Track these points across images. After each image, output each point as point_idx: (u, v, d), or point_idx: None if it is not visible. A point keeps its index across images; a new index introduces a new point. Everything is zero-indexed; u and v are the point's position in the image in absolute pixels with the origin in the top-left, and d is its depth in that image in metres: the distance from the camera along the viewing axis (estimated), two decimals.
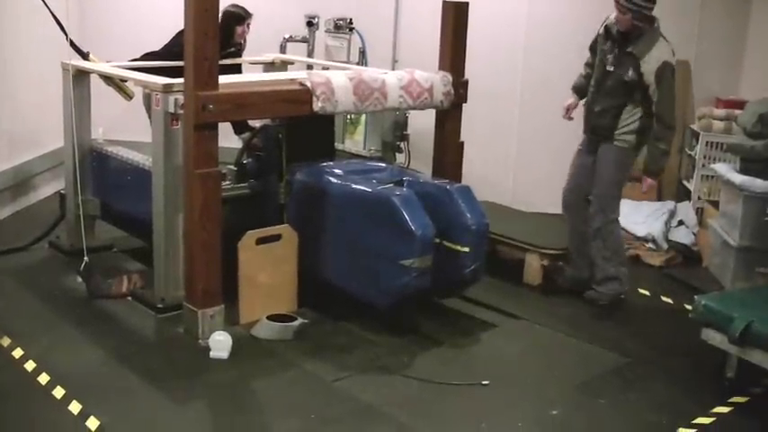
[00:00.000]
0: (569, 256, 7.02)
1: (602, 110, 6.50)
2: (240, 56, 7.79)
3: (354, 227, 5.88)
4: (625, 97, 6.39)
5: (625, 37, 6.36)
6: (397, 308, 5.86)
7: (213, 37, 5.43)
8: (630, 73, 6.30)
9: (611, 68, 6.42)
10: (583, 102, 6.81)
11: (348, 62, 8.95)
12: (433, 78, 6.55)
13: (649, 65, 6.21)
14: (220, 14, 6.06)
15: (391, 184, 6.07)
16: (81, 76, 6.78)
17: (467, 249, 5.90)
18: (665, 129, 6.32)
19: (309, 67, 8.00)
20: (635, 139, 6.45)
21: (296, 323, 5.83)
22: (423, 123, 7.75)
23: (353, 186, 5.99)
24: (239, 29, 7.54)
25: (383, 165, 6.72)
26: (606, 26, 6.53)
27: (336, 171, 6.24)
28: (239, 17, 7.53)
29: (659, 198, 8.78)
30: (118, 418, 4.71)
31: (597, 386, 5.44)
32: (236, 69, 7.49)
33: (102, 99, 7.16)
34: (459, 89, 6.69)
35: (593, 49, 6.76)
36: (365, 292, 5.86)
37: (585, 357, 5.89)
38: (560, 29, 8.64)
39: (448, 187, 6.08)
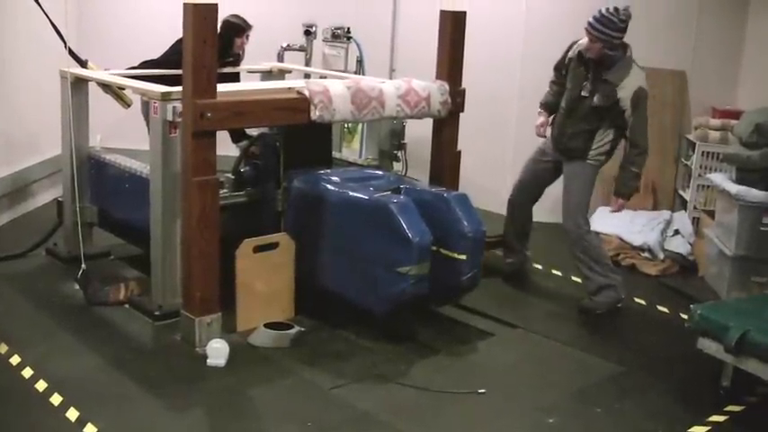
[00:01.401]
0: (506, 246, 7.34)
1: (574, 133, 6.64)
2: (237, 66, 7.79)
3: (352, 234, 5.90)
4: (599, 121, 6.53)
5: (598, 64, 6.46)
6: (394, 315, 5.87)
7: (212, 45, 5.44)
8: (605, 99, 6.41)
9: (586, 95, 6.53)
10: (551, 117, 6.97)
11: (345, 71, 8.96)
12: (431, 87, 6.57)
13: (626, 90, 6.36)
14: (220, 24, 6.07)
15: (388, 192, 6.08)
16: (79, 84, 6.79)
17: (464, 257, 5.91)
18: (639, 154, 6.50)
19: (307, 75, 8.01)
20: (605, 158, 6.69)
21: (293, 331, 5.84)
22: (420, 132, 7.76)
23: (351, 194, 6.00)
24: (238, 40, 7.54)
25: (380, 172, 6.72)
26: (579, 52, 6.62)
27: (334, 178, 6.25)
28: (239, 28, 7.53)
29: (655, 207, 8.80)
30: (115, 424, 4.72)
31: (593, 395, 5.45)
32: (235, 79, 7.50)
33: (101, 107, 7.16)
34: (457, 98, 6.70)
35: (558, 68, 6.89)
36: (362, 299, 5.87)
37: (581, 366, 5.89)
38: (557, 38, 8.63)
39: (445, 195, 6.09)
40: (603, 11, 6.33)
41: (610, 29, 6.30)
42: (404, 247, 5.58)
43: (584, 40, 6.51)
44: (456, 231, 5.92)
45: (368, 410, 5.05)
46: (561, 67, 6.86)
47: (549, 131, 6.95)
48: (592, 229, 6.79)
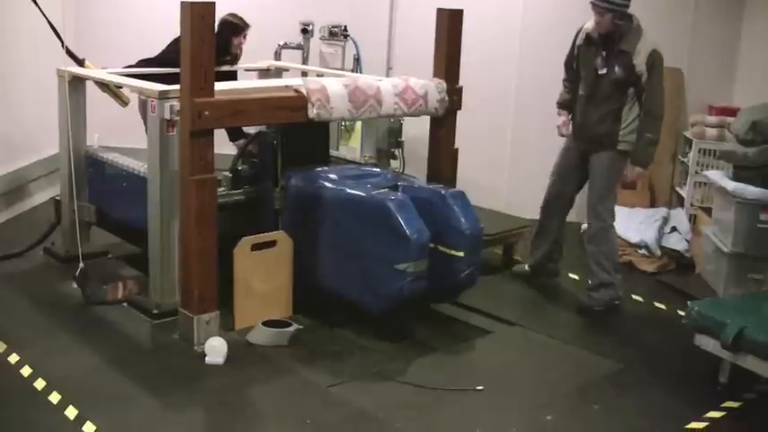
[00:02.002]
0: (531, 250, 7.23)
1: (600, 117, 6.53)
2: (235, 64, 7.78)
3: (350, 231, 5.90)
4: (622, 98, 6.43)
5: (608, 38, 6.41)
6: (392, 312, 5.88)
7: (209, 44, 5.45)
8: (624, 70, 6.34)
9: (604, 71, 6.46)
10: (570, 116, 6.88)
11: (343, 69, 8.95)
12: (428, 85, 6.57)
13: (641, 55, 6.27)
14: (218, 23, 6.08)
15: (386, 189, 6.08)
16: (77, 83, 6.80)
17: (461, 254, 5.92)
18: (654, 118, 6.35)
19: (304, 73, 8.01)
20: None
21: (291, 329, 5.85)
22: (417, 130, 7.77)
23: (349, 191, 6.01)
24: (236, 39, 7.52)
25: (378, 170, 6.72)
26: (586, 35, 6.59)
27: (331, 176, 6.25)
28: (237, 27, 7.51)
29: (653, 205, 8.82)
30: (114, 423, 4.72)
31: (591, 392, 5.45)
32: (232, 77, 7.50)
33: (98, 105, 7.16)
34: (454, 96, 6.70)
35: (568, 63, 6.83)
36: (360, 296, 5.87)
37: (579, 363, 5.91)
38: (554, 36, 8.65)
39: (442, 192, 6.10)
40: None
41: None
42: (402, 245, 5.58)
43: (590, 24, 6.49)
44: (453, 228, 5.93)
45: (366, 408, 5.06)
46: (571, 61, 6.80)
47: (570, 129, 6.87)
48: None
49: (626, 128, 6.46)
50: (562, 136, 6.91)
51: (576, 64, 6.75)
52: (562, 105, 6.91)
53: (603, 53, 6.46)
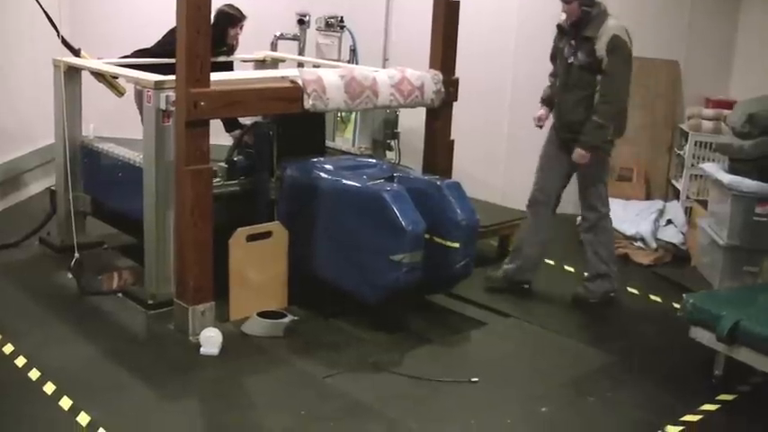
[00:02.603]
0: (512, 251, 7.04)
1: (574, 103, 6.48)
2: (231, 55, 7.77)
3: (345, 222, 5.90)
4: (591, 86, 6.38)
5: (577, 26, 6.40)
6: (388, 303, 5.88)
7: (205, 34, 5.44)
8: (587, 56, 6.33)
9: (572, 59, 6.46)
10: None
11: (339, 60, 8.95)
12: (424, 77, 6.57)
13: (601, 41, 6.26)
14: (214, 14, 6.06)
15: (382, 180, 6.08)
16: (72, 73, 6.79)
17: (457, 245, 5.91)
18: (605, 103, 6.30)
19: (300, 64, 8.00)
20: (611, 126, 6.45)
21: (286, 320, 5.85)
22: (413, 121, 7.77)
23: (344, 182, 6.00)
24: (232, 30, 7.49)
25: (374, 161, 6.72)
26: (558, 26, 6.61)
27: (327, 167, 6.24)
28: (233, 18, 7.49)
29: (648, 197, 8.82)
30: (109, 413, 4.72)
31: (586, 384, 5.46)
32: (228, 68, 7.48)
33: (94, 96, 7.16)
34: (450, 87, 6.70)
35: (553, 57, 6.80)
36: (355, 287, 5.88)
37: (574, 355, 5.91)
38: (551, 27, 8.64)
39: (438, 183, 6.09)
40: None
41: None
42: (397, 236, 5.58)
43: (561, 13, 6.49)
44: (449, 220, 5.93)
45: (361, 399, 5.06)
46: (554, 55, 6.79)
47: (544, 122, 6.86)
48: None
49: None
50: (538, 127, 6.89)
51: (556, 56, 6.75)
52: (544, 101, 6.89)
53: (572, 41, 6.47)
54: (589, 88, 6.39)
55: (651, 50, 8.83)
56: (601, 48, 6.25)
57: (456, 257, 5.95)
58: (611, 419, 5.07)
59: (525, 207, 6.95)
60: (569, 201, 8.65)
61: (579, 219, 6.85)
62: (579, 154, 6.41)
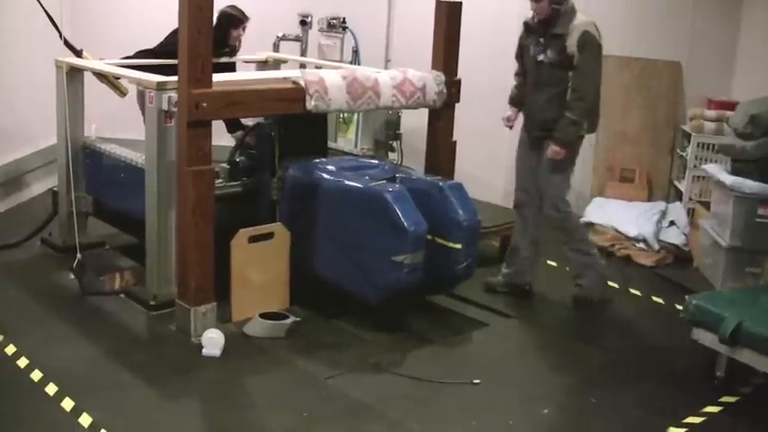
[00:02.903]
0: (507, 256, 6.98)
1: (544, 102, 6.44)
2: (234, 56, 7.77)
3: (347, 223, 5.90)
4: (562, 83, 6.35)
5: (545, 23, 6.36)
6: (389, 303, 5.88)
7: (207, 35, 5.44)
8: (558, 53, 6.30)
9: (542, 57, 6.42)
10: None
11: (341, 61, 8.96)
12: (426, 78, 6.57)
13: (572, 37, 6.23)
14: (216, 15, 6.05)
15: (384, 181, 6.08)
16: (74, 74, 6.79)
17: (459, 246, 5.92)
18: (578, 99, 6.28)
19: (302, 65, 8.00)
20: (585, 126, 6.45)
21: (288, 321, 5.84)
22: (415, 122, 7.76)
23: (346, 182, 6.00)
24: (235, 32, 7.48)
25: (376, 161, 6.71)
26: (524, 24, 6.56)
27: (329, 167, 6.24)
28: (236, 20, 7.48)
29: (650, 198, 8.81)
30: (111, 414, 4.72)
31: (588, 385, 5.45)
32: (231, 70, 7.48)
33: (96, 96, 7.16)
34: (452, 88, 6.71)
35: (519, 56, 6.74)
36: (357, 287, 5.88)
37: (576, 356, 5.90)
38: None
39: (440, 184, 6.09)
40: None
41: None
42: (399, 236, 5.58)
43: (531, 11, 6.44)
44: (451, 220, 5.93)
45: (363, 400, 5.06)
46: (520, 53, 6.71)
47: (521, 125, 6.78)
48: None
49: None
50: (508, 127, 6.86)
51: (522, 55, 6.70)
52: (512, 101, 6.83)
53: (541, 39, 6.42)
54: (560, 85, 6.36)
55: (653, 51, 8.84)
56: (572, 44, 6.22)
57: (458, 258, 5.95)
58: (613, 421, 5.06)
59: (513, 210, 6.93)
60: (571, 203, 8.66)
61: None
62: (554, 150, 6.37)
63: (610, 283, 7.17)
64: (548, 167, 6.51)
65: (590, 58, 6.28)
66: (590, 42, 6.25)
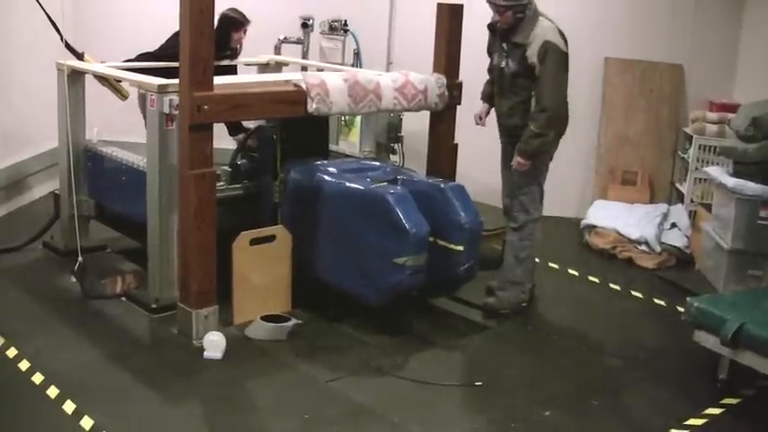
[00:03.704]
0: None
1: (510, 108, 6.38)
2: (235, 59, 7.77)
3: (348, 225, 5.90)
4: (525, 91, 6.24)
5: (508, 29, 6.23)
6: (391, 306, 5.88)
7: (209, 38, 5.44)
8: (519, 64, 6.18)
9: (504, 65, 6.33)
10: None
11: (343, 64, 8.95)
12: (428, 80, 6.57)
13: (532, 47, 6.08)
14: (218, 17, 6.05)
15: (385, 183, 6.08)
16: (76, 77, 6.79)
17: (460, 248, 5.91)
18: (541, 111, 6.12)
19: (304, 68, 8.00)
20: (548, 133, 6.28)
21: (290, 324, 5.84)
22: (417, 125, 7.76)
23: (348, 184, 6.00)
24: (236, 34, 7.49)
25: (377, 163, 6.71)
26: (488, 25, 6.44)
27: (331, 169, 6.24)
28: (237, 22, 7.49)
29: (652, 201, 8.81)
30: (112, 417, 4.72)
31: (589, 387, 5.45)
32: (232, 72, 7.48)
33: (97, 99, 7.16)
34: (454, 91, 6.70)
35: (490, 53, 6.61)
36: (359, 289, 5.87)
37: (578, 359, 5.90)
38: None
39: (442, 186, 6.09)
40: None
41: None
42: (400, 238, 5.58)
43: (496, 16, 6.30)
44: (453, 222, 5.92)
45: (364, 403, 5.06)
46: (490, 52, 6.61)
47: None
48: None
49: None
50: (482, 126, 6.76)
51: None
52: (484, 97, 6.75)
53: (504, 45, 6.32)
54: (523, 93, 6.26)
55: (655, 54, 8.85)
56: (532, 54, 6.08)
57: (460, 260, 5.94)
58: (615, 423, 5.06)
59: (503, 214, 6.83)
60: (571, 204, 8.68)
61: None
62: (517, 162, 6.28)
63: (611, 286, 7.19)
64: (520, 175, 6.39)
65: (551, 69, 6.07)
66: (551, 52, 6.06)
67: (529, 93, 6.22)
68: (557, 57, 6.09)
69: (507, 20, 6.18)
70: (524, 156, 6.23)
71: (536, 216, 6.46)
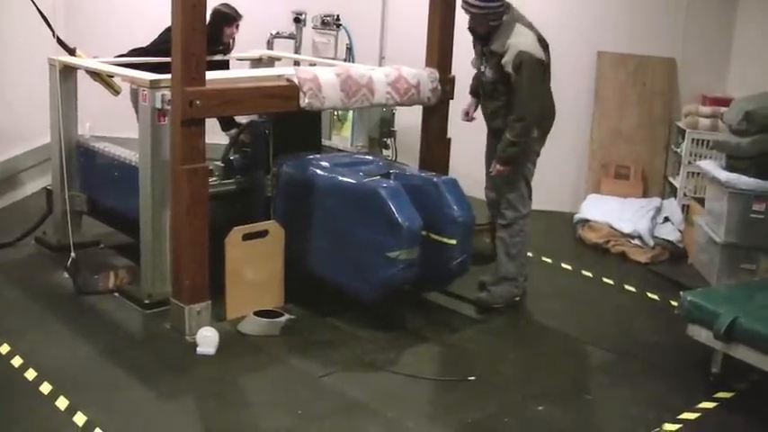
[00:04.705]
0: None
1: (492, 111, 6.38)
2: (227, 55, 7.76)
3: (341, 219, 5.89)
4: (506, 96, 6.22)
5: (485, 35, 6.23)
6: (384, 300, 5.88)
7: (200, 33, 5.43)
8: (496, 72, 6.17)
9: (484, 69, 6.33)
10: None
11: (335, 58, 8.94)
12: (420, 75, 6.56)
13: (507, 55, 6.04)
14: (210, 13, 6.04)
15: (378, 177, 6.07)
16: (68, 72, 6.78)
17: (454, 241, 5.90)
18: (516, 120, 6.10)
19: (296, 63, 7.99)
20: (536, 132, 6.29)
21: (283, 319, 5.84)
22: (409, 120, 7.76)
23: (340, 178, 6.00)
24: (228, 30, 7.48)
25: (370, 158, 6.70)
26: (469, 29, 6.38)
27: (323, 163, 6.23)
28: (229, 17, 7.48)
29: (645, 195, 8.81)
30: (105, 413, 4.71)
31: (583, 382, 5.47)
32: (224, 68, 7.46)
33: (90, 95, 7.15)
34: (446, 86, 6.69)
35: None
36: (351, 284, 5.87)
37: (571, 353, 5.91)
38: (546, 28, 8.65)
39: (435, 180, 6.09)
40: None
41: (488, 0, 6.07)
42: (393, 232, 5.57)
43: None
44: (446, 216, 5.92)
45: (358, 398, 5.06)
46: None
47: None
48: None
49: None
50: (470, 120, 6.73)
51: None
52: (472, 92, 6.73)
53: (484, 49, 6.30)
54: (502, 98, 6.24)
55: (648, 48, 8.84)
56: (507, 63, 6.04)
57: (453, 254, 5.94)
58: (609, 417, 5.07)
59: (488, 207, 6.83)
60: (564, 199, 8.68)
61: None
62: (497, 169, 6.27)
63: (605, 280, 7.19)
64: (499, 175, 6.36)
65: (525, 79, 6.03)
66: (526, 62, 6.00)
67: (508, 98, 6.21)
68: (532, 67, 6.05)
69: (483, 27, 6.18)
70: (502, 162, 6.23)
71: (524, 212, 6.45)
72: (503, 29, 6.12)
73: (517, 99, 6.10)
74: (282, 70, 6.66)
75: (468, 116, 6.72)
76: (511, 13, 6.18)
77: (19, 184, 8.41)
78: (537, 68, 6.09)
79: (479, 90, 6.54)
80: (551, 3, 8.84)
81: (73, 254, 6.33)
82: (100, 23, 9.46)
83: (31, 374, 5.08)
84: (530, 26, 6.19)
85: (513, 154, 6.19)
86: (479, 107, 6.64)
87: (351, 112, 8.37)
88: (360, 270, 5.75)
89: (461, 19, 6.68)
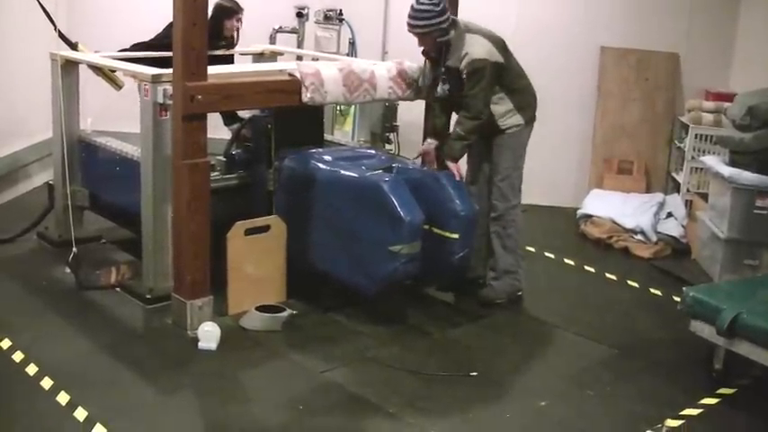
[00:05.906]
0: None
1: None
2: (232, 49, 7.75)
3: (343, 213, 5.88)
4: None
5: (439, 55, 6.20)
6: (386, 295, 5.87)
7: (201, 27, 5.41)
8: (459, 85, 6.14)
9: (448, 89, 6.25)
10: None
11: (338, 53, 8.94)
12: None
13: (463, 64, 6.03)
14: (211, 7, 6.02)
15: (380, 171, 6.05)
16: (69, 67, 6.76)
17: (456, 236, 5.88)
18: (466, 117, 6.10)
19: (299, 57, 7.98)
20: (520, 116, 6.28)
21: (284, 314, 5.83)
22: (412, 114, 7.74)
23: (342, 172, 5.98)
24: (228, 23, 7.46)
25: (372, 151, 6.69)
26: (423, 52, 6.36)
27: (325, 157, 6.22)
28: (229, 11, 7.46)
29: (648, 190, 8.80)
30: (106, 408, 4.70)
31: (585, 378, 5.44)
32: (228, 62, 7.45)
33: (91, 89, 7.14)
34: None
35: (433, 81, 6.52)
36: (353, 278, 5.86)
37: (573, 349, 5.90)
38: (545, 34, 8.65)
39: (437, 174, 6.07)
40: (415, 3, 6.05)
41: (430, 17, 6.01)
42: (395, 226, 5.56)
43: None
44: (448, 210, 5.90)
45: (359, 394, 5.05)
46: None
47: None
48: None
49: (505, 116, 6.23)
50: (428, 165, 6.57)
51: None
52: (430, 132, 6.66)
53: (441, 70, 6.25)
54: None
55: (651, 43, 8.83)
56: (463, 70, 6.04)
57: (455, 248, 5.92)
58: (611, 413, 5.06)
59: None
60: (567, 194, 8.67)
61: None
62: (450, 167, 6.21)
63: (607, 275, 7.19)
64: (499, 161, 6.33)
65: (475, 85, 6.02)
66: (477, 69, 5.99)
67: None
68: (487, 71, 6.03)
69: (429, 45, 6.15)
70: (450, 158, 6.21)
71: (515, 203, 6.42)
72: (454, 44, 6.10)
73: (468, 101, 6.07)
74: (285, 65, 6.64)
75: (429, 158, 6.49)
76: (458, 28, 6.13)
77: (20, 179, 8.41)
78: (484, 76, 6.04)
79: (442, 118, 6.49)
80: (553, 7, 8.83)
81: (74, 249, 6.32)
82: (102, 18, 9.43)
83: (32, 369, 5.07)
84: (479, 32, 6.15)
85: (460, 149, 6.21)
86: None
87: (353, 106, 8.36)
88: (361, 264, 5.74)
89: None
